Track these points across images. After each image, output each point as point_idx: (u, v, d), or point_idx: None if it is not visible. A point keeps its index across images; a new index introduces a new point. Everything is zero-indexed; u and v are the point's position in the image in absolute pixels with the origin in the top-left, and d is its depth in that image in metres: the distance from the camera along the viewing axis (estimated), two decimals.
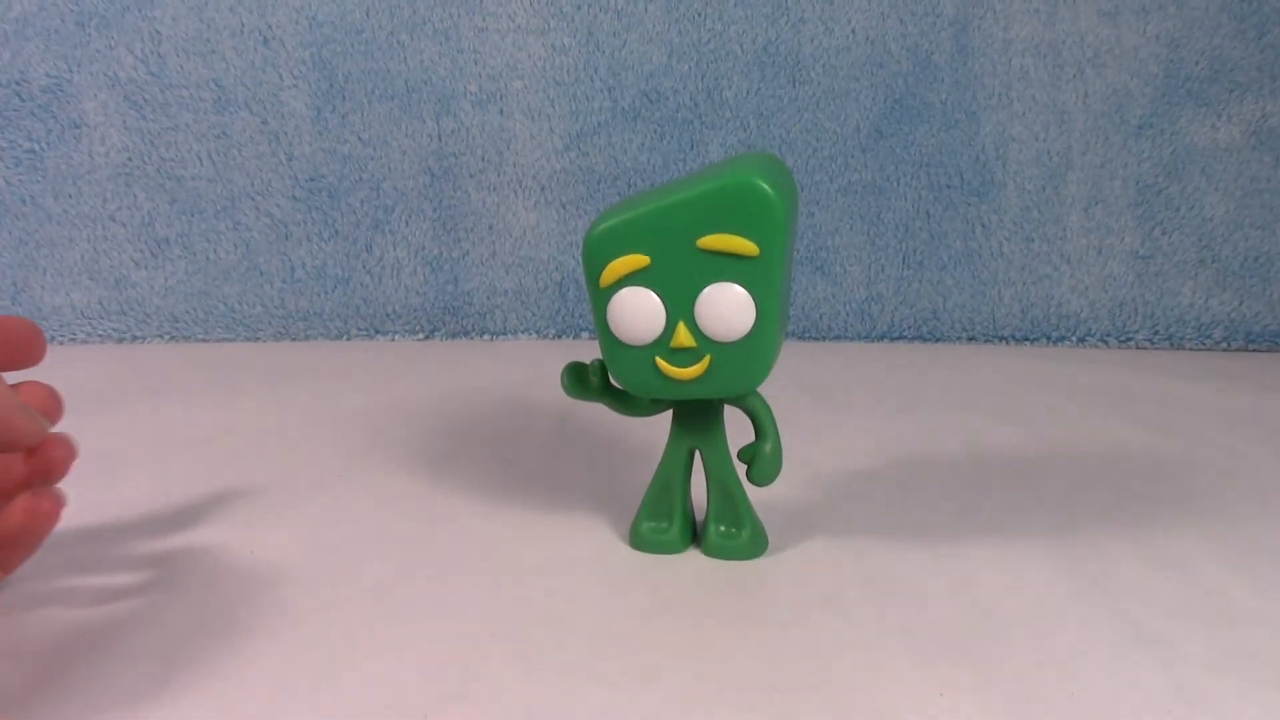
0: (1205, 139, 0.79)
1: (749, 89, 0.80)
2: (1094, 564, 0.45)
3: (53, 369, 0.76)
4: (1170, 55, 0.78)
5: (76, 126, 0.79)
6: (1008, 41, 0.78)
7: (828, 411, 0.65)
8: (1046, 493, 0.53)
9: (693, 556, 0.46)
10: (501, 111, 0.80)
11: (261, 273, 0.82)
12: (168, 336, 0.82)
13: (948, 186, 0.80)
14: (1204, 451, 0.58)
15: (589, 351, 0.45)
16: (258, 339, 0.83)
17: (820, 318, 0.83)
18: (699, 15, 0.79)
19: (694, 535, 0.47)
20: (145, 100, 0.79)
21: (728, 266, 0.39)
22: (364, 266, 0.82)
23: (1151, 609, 0.41)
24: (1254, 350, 0.80)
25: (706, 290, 0.40)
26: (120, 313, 0.82)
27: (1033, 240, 0.81)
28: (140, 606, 0.41)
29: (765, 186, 0.38)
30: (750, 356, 0.41)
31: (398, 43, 0.79)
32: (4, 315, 0.42)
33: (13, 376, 0.39)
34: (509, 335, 0.84)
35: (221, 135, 0.80)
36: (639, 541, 0.46)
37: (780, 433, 0.44)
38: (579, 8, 0.79)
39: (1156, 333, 0.81)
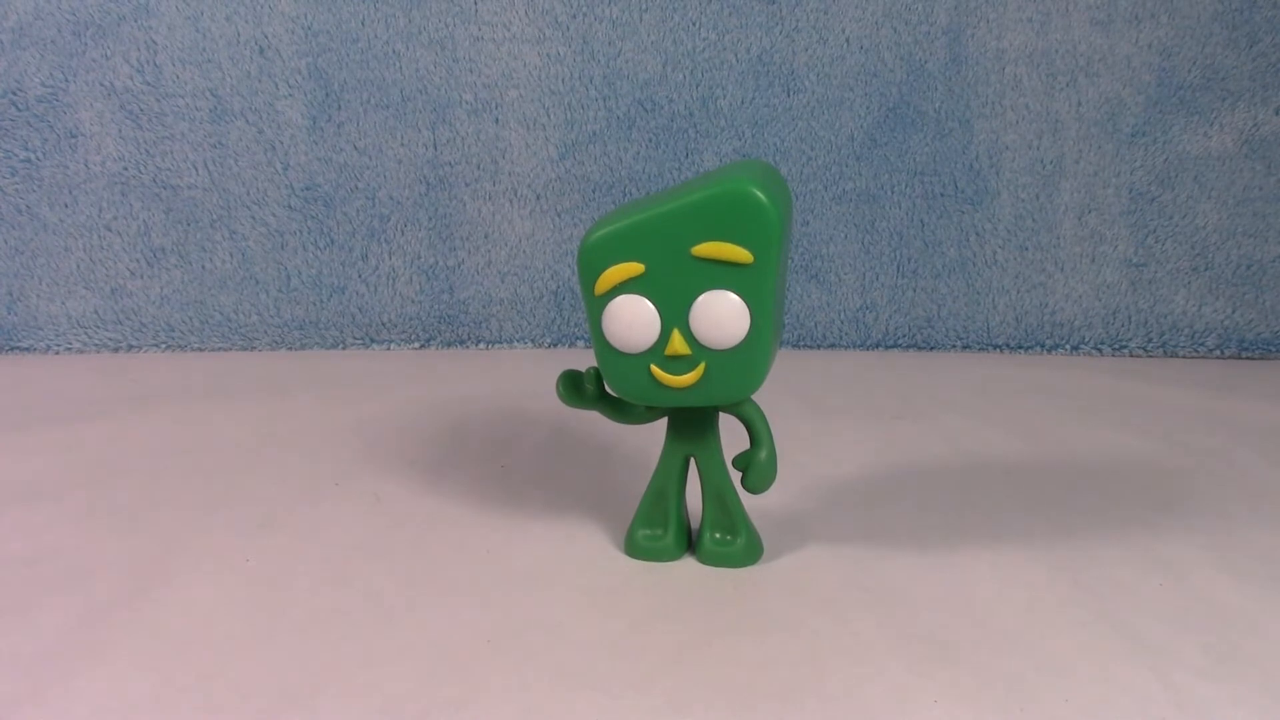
0: (1198, 147, 0.79)
1: (744, 98, 0.80)
2: (1088, 570, 0.45)
3: (48, 379, 0.76)
4: (1163, 64, 0.78)
5: (72, 136, 0.79)
6: (1001, 50, 0.78)
7: (822, 419, 0.65)
8: (1040, 500, 0.53)
9: (688, 564, 0.46)
10: (497, 120, 0.81)
11: (257, 282, 0.82)
12: (163, 346, 0.82)
13: (942, 195, 0.81)
14: (1197, 458, 0.59)
15: (585, 360, 0.45)
16: (253, 348, 0.83)
17: (815, 326, 0.83)
18: (694, 24, 0.79)
19: (689, 542, 0.47)
20: (141, 110, 0.79)
21: (723, 274, 0.40)
22: (360, 276, 0.82)
23: (1145, 615, 0.41)
24: (1247, 358, 0.80)
25: (701, 298, 0.40)
26: (116, 322, 0.81)
27: (1026, 248, 0.81)
28: (135, 614, 0.41)
29: (760, 194, 0.39)
30: (745, 364, 0.41)
31: (393, 52, 0.79)
32: None
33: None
34: (504, 344, 0.84)
35: (217, 145, 0.80)
36: (634, 549, 0.46)
37: (775, 440, 0.44)
38: (574, 17, 0.79)
39: (1150, 340, 0.81)
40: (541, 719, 0.35)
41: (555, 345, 0.84)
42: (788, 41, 0.79)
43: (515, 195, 0.82)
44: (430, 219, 0.82)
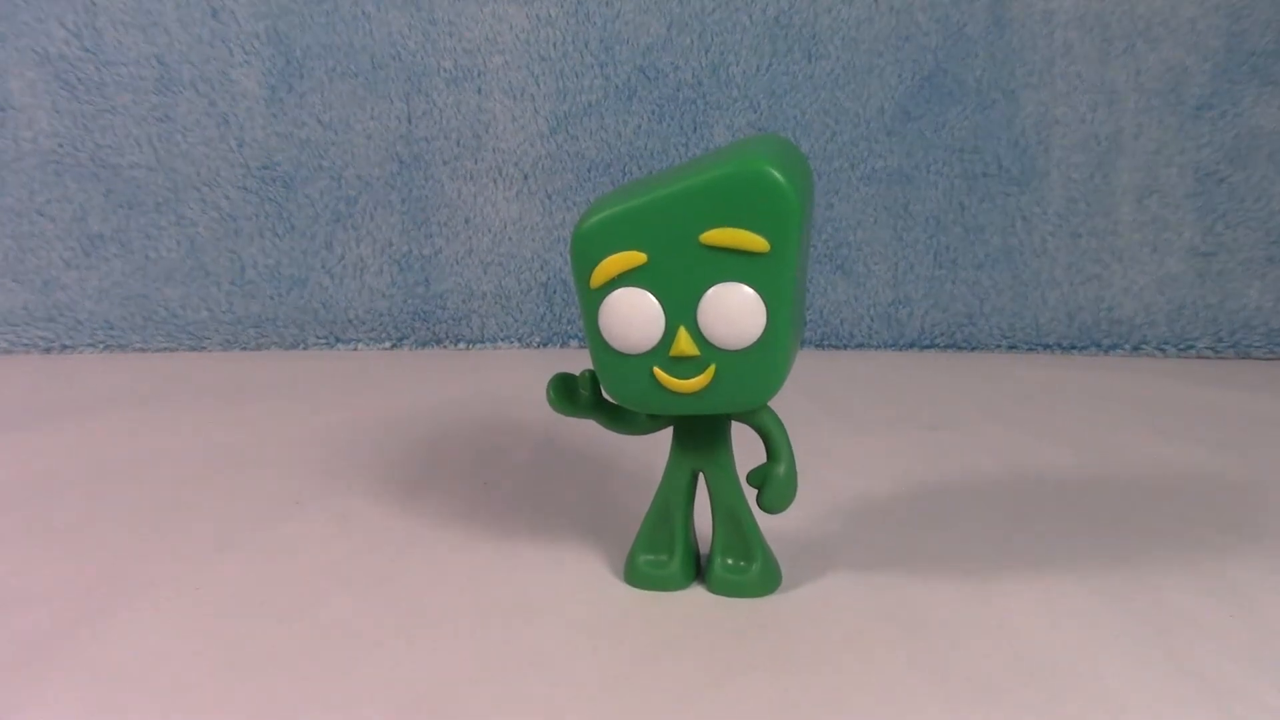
0: (1272, 121, 0.79)
1: (759, 65, 0.80)
2: (1145, 599, 0.45)
3: None
4: (1232, 27, 0.78)
5: (1, 109, 0.80)
6: (1049, 12, 0.79)
7: (849, 429, 0.65)
8: (1093, 519, 0.53)
9: (696, 593, 0.46)
10: (479, 90, 0.81)
11: (208, 273, 0.82)
12: (101, 345, 0.82)
13: (984, 175, 0.81)
14: (1271, 473, 0.59)
15: (579, 361, 0.45)
16: (203, 348, 0.83)
17: (840, 323, 0.83)
18: None
19: (697, 569, 0.47)
20: (78, 79, 0.80)
21: (735, 265, 0.40)
22: (323, 266, 0.82)
23: (1209, 649, 0.41)
24: None
25: (711, 291, 0.40)
26: (48, 319, 0.82)
27: (1080, 235, 0.81)
28: (70, 647, 0.41)
29: (777, 174, 0.39)
30: (760, 366, 0.41)
31: (362, 14, 0.80)
32: None
33: None
34: (488, 343, 0.84)
35: (164, 118, 0.80)
36: (635, 576, 0.46)
37: (795, 453, 0.44)
38: None
39: (1220, 340, 0.81)
40: None
41: (545, 345, 0.84)
42: (809, 1, 0.79)
43: (500, 174, 0.82)
44: (403, 201, 0.82)
